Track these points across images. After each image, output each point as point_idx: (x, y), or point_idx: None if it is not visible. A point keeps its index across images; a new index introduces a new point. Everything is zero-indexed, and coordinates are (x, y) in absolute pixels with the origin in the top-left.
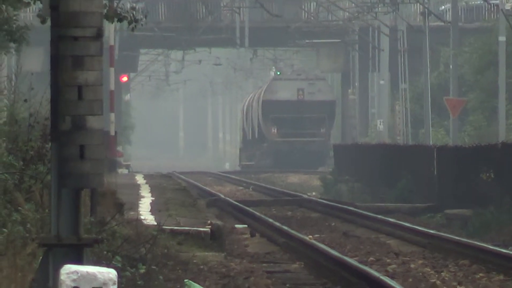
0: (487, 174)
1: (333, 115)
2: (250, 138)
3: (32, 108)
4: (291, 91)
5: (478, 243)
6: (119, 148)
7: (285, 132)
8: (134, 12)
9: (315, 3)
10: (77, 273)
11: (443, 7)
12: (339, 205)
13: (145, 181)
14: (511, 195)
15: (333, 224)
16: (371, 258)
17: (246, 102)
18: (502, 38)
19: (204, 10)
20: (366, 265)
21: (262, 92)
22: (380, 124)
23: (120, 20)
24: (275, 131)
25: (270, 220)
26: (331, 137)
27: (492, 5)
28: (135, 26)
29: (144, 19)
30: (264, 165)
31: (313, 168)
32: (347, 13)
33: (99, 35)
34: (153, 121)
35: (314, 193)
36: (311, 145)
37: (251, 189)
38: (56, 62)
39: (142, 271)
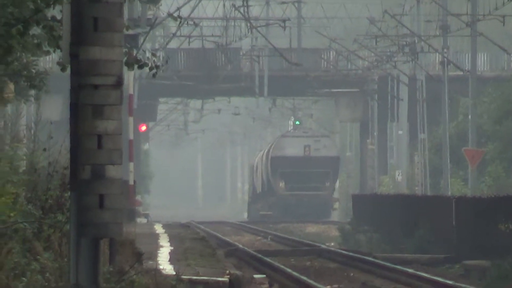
0: (506, 225)
1: (337, 170)
2: (260, 191)
3: (51, 157)
4: (298, 148)
5: None
6: (138, 197)
7: (292, 186)
8: (155, 59)
9: (334, 52)
10: None
11: None
12: (358, 255)
13: (163, 230)
14: None
15: (351, 274)
16: None
17: (256, 158)
18: None
19: (223, 58)
20: None
21: (271, 149)
22: (398, 175)
23: (140, 66)
24: (283, 185)
25: (289, 270)
26: (349, 188)
27: (511, 55)
28: (156, 72)
29: (166, 64)
30: (273, 216)
31: (318, 219)
32: (366, 62)
33: (119, 83)
34: (171, 170)
35: (332, 243)
36: (317, 198)
37: (269, 239)
38: (76, 110)
39: None
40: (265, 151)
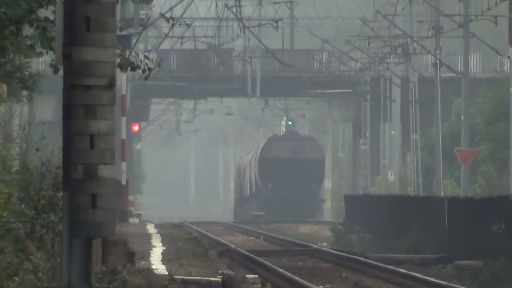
0: (498, 226)
1: (322, 172)
2: (248, 193)
3: (44, 157)
4: (285, 150)
5: None
6: (130, 197)
7: (280, 186)
8: (148, 61)
9: (327, 53)
10: None
11: None
12: (350, 256)
13: (156, 230)
14: None
15: (344, 274)
16: None
17: (242, 161)
18: None
19: (216, 59)
20: None
21: (259, 151)
22: (391, 175)
23: (133, 69)
24: (271, 186)
25: (281, 270)
26: (342, 188)
27: (504, 56)
28: (149, 75)
29: (158, 67)
30: (265, 216)
31: (304, 219)
32: (359, 64)
33: (111, 84)
34: (164, 170)
35: (325, 244)
36: (303, 199)
37: (262, 239)
38: (69, 111)
39: None
40: (253, 153)
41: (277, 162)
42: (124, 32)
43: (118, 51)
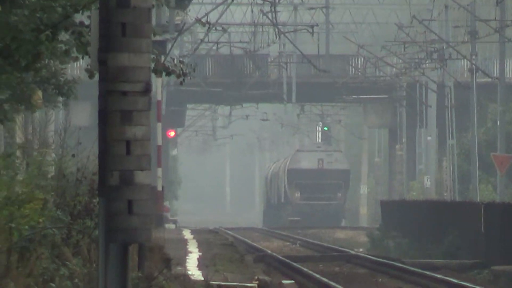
0: None
1: (348, 182)
2: (276, 202)
3: (79, 162)
4: (312, 161)
5: None
6: (166, 203)
7: (307, 196)
8: (183, 66)
9: (362, 59)
10: None
11: None
12: (387, 261)
13: (192, 236)
14: None
15: (380, 280)
16: None
17: (270, 171)
18: None
19: (251, 65)
20: None
21: (288, 162)
22: (427, 181)
23: (168, 74)
24: (299, 195)
25: (317, 275)
26: (378, 194)
27: None
28: (184, 79)
29: (193, 72)
30: (296, 222)
31: (329, 227)
32: (395, 69)
33: (147, 90)
34: (199, 176)
35: (361, 249)
36: (329, 208)
37: (298, 245)
38: (104, 116)
39: None
40: (282, 164)
41: (304, 173)
42: (159, 38)
43: (153, 56)
